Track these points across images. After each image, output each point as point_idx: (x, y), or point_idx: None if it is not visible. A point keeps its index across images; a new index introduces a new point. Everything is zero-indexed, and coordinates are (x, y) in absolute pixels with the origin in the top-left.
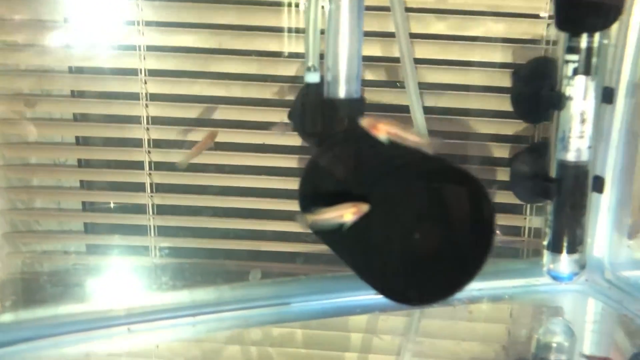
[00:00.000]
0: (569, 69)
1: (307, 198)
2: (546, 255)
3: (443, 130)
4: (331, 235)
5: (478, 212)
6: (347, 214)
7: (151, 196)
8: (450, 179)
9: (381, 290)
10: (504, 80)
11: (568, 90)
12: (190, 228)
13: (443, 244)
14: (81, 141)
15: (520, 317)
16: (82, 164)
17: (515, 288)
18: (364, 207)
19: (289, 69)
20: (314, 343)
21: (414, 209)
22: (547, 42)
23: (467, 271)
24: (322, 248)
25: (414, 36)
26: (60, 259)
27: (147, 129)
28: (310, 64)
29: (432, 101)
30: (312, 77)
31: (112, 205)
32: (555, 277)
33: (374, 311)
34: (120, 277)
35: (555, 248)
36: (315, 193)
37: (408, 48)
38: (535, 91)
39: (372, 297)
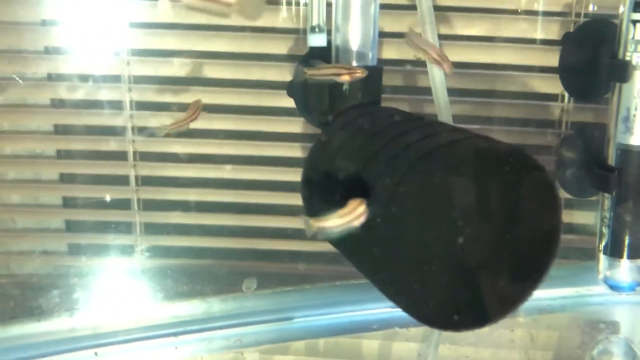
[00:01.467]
0: (637, 30)
1: (312, 192)
2: (602, 260)
3: (465, 114)
4: (345, 241)
5: (540, 204)
6: (354, 218)
7: (136, 190)
8: (508, 162)
9: (416, 314)
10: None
11: (634, 58)
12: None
13: (497, 249)
14: (60, 130)
15: (569, 334)
16: (62, 154)
17: (563, 299)
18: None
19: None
20: None
21: (458, 203)
22: (577, 15)
23: (526, 282)
24: (330, 248)
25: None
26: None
27: (131, 116)
28: (314, 22)
29: (455, 82)
30: (317, 40)
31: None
32: (614, 287)
33: (393, 327)
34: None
35: (614, 252)
36: (324, 185)
37: (431, 20)
38: (590, 61)
39: (391, 309)
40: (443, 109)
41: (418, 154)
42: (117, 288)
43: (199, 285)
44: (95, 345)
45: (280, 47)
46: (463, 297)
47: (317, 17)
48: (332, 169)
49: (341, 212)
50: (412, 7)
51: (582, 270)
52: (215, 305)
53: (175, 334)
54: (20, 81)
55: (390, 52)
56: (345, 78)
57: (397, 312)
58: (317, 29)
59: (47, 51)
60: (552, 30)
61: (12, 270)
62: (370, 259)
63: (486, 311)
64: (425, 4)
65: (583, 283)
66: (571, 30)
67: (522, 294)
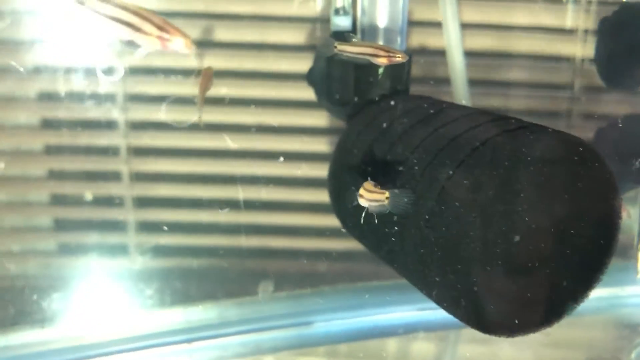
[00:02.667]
0: None
1: (341, 185)
2: None
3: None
4: (388, 244)
5: (600, 199)
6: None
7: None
8: (570, 153)
9: (475, 321)
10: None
11: None
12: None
13: (557, 246)
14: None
15: (606, 336)
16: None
17: (598, 300)
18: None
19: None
20: None
21: (517, 196)
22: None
23: (585, 281)
24: (352, 246)
25: None
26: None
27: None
28: (339, 4)
29: (474, 73)
30: (342, 22)
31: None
32: None
33: (419, 331)
34: (92, 290)
35: None
36: (355, 178)
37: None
38: (629, 47)
39: (418, 312)
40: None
41: (472, 145)
42: (120, 291)
43: (209, 288)
44: (103, 353)
45: (294, 35)
46: (524, 299)
47: None
48: (365, 163)
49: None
50: None
51: (619, 270)
52: (230, 309)
53: (188, 340)
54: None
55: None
56: (383, 61)
57: (424, 315)
58: (341, 11)
59: None
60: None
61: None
62: (420, 263)
63: (547, 312)
64: None
65: (619, 283)
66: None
67: (581, 292)
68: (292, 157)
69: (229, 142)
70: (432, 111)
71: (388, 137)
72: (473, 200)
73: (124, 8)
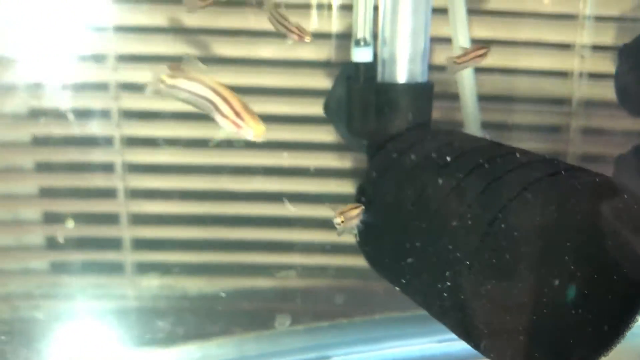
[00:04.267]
0: None
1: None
2: None
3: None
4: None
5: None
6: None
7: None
8: (616, 200)
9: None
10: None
11: None
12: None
13: (595, 288)
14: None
15: None
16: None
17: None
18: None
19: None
20: None
21: (563, 241)
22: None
23: (619, 324)
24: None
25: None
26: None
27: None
28: (359, 35)
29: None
30: (363, 54)
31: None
32: None
33: None
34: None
35: None
36: (380, 229)
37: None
38: None
39: (436, 345)
40: (471, 114)
41: (515, 190)
42: (127, 325)
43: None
44: None
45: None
46: (560, 340)
47: (363, 29)
48: (390, 214)
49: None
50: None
51: None
52: (248, 344)
53: None
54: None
55: None
56: (223, 122)
57: (443, 347)
58: (362, 43)
59: None
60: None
61: None
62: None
63: (582, 353)
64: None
65: None
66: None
67: (616, 334)
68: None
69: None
70: (464, 150)
71: (419, 176)
72: (517, 247)
73: (207, 85)
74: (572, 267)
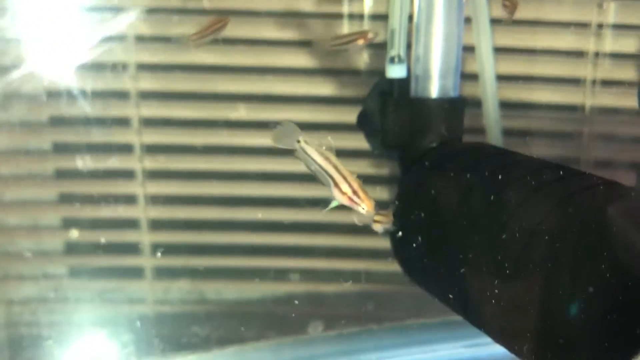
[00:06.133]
0: None
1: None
2: None
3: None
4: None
5: None
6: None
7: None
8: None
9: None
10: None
11: None
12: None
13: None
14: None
15: None
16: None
17: None
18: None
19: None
20: None
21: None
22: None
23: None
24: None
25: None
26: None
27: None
28: (394, 53)
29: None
30: (397, 71)
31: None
32: None
33: None
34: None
35: None
36: (415, 239)
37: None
38: None
39: (464, 350)
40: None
41: (552, 202)
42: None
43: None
44: None
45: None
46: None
47: (397, 47)
48: (428, 226)
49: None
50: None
51: None
52: (285, 349)
53: None
54: None
55: None
56: (338, 195)
57: (471, 352)
58: (396, 59)
59: None
60: None
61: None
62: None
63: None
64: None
65: None
66: None
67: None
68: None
69: None
70: (501, 163)
71: (458, 188)
72: (555, 258)
73: (332, 163)
74: (607, 278)
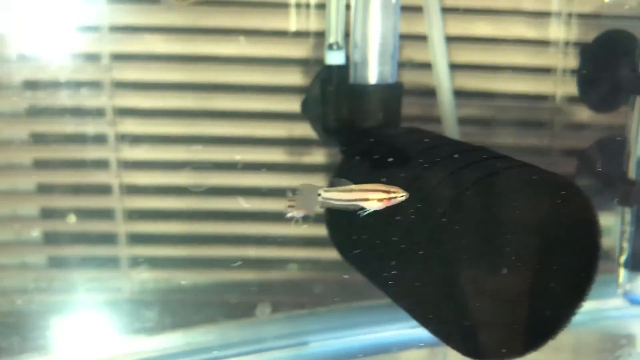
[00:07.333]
0: None
1: (337, 228)
2: (622, 274)
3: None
4: (372, 257)
5: (582, 232)
6: (372, 199)
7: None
8: (555, 191)
9: (462, 348)
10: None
11: None
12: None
13: (539, 276)
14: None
15: (587, 350)
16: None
17: (581, 314)
18: (399, 195)
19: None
20: None
21: (507, 231)
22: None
23: (565, 308)
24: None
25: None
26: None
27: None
28: (332, 40)
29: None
30: (335, 57)
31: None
32: (634, 301)
33: (411, 348)
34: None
35: (635, 266)
36: (349, 221)
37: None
38: (609, 73)
39: (412, 330)
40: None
41: (462, 186)
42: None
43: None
44: None
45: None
46: (507, 327)
47: (335, 34)
48: None
49: (354, 186)
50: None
51: (601, 284)
52: (231, 331)
53: None
54: None
55: None
56: (373, 205)
57: (416, 333)
58: (334, 46)
59: None
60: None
61: None
62: (413, 289)
63: (533, 337)
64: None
65: (601, 296)
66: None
67: (566, 317)
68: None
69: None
70: (425, 145)
71: (385, 167)
72: (462, 241)
73: (353, 192)
74: (515, 258)
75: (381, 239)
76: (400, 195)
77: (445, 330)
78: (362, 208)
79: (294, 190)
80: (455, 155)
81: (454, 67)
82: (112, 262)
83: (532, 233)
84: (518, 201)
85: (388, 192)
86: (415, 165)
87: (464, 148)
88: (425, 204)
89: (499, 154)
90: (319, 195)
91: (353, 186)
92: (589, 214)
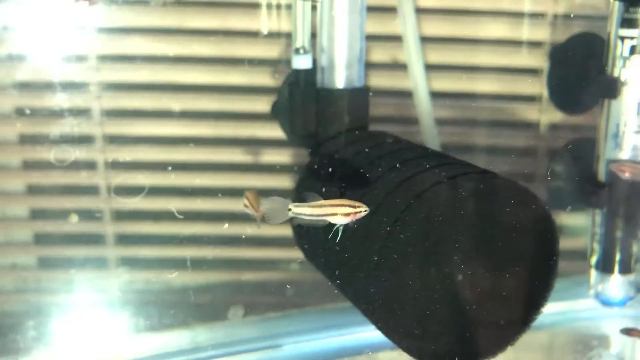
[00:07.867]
0: (625, 47)
1: (301, 235)
2: (593, 275)
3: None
4: (332, 263)
5: (538, 238)
6: (339, 214)
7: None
8: (508, 197)
9: (416, 354)
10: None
11: (623, 74)
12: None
13: (496, 283)
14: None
15: (559, 350)
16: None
17: (553, 315)
18: (363, 210)
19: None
20: None
21: (459, 239)
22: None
23: (525, 314)
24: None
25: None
26: None
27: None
28: (298, 44)
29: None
30: (302, 61)
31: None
32: (605, 302)
33: (386, 349)
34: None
35: (606, 267)
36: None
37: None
38: (579, 76)
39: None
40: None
41: (416, 190)
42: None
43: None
44: None
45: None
46: (463, 334)
47: (302, 38)
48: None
49: (322, 202)
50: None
51: (573, 285)
52: (202, 334)
53: None
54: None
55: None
56: (340, 220)
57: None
58: (301, 51)
59: None
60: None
61: None
62: (368, 295)
63: (485, 346)
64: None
65: (573, 297)
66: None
67: (521, 326)
68: None
69: None
70: (387, 150)
71: (349, 169)
72: (411, 246)
73: (322, 207)
74: (468, 262)
75: (340, 246)
76: (364, 210)
77: (399, 335)
78: (330, 223)
79: (248, 189)
80: (412, 162)
81: (431, 67)
82: (100, 263)
83: (484, 240)
84: (468, 209)
85: (354, 206)
86: (373, 172)
87: (422, 154)
88: (377, 214)
89: (456, 160)
90: (290, 210)
91: (322, 201)
92: (545, 220)
